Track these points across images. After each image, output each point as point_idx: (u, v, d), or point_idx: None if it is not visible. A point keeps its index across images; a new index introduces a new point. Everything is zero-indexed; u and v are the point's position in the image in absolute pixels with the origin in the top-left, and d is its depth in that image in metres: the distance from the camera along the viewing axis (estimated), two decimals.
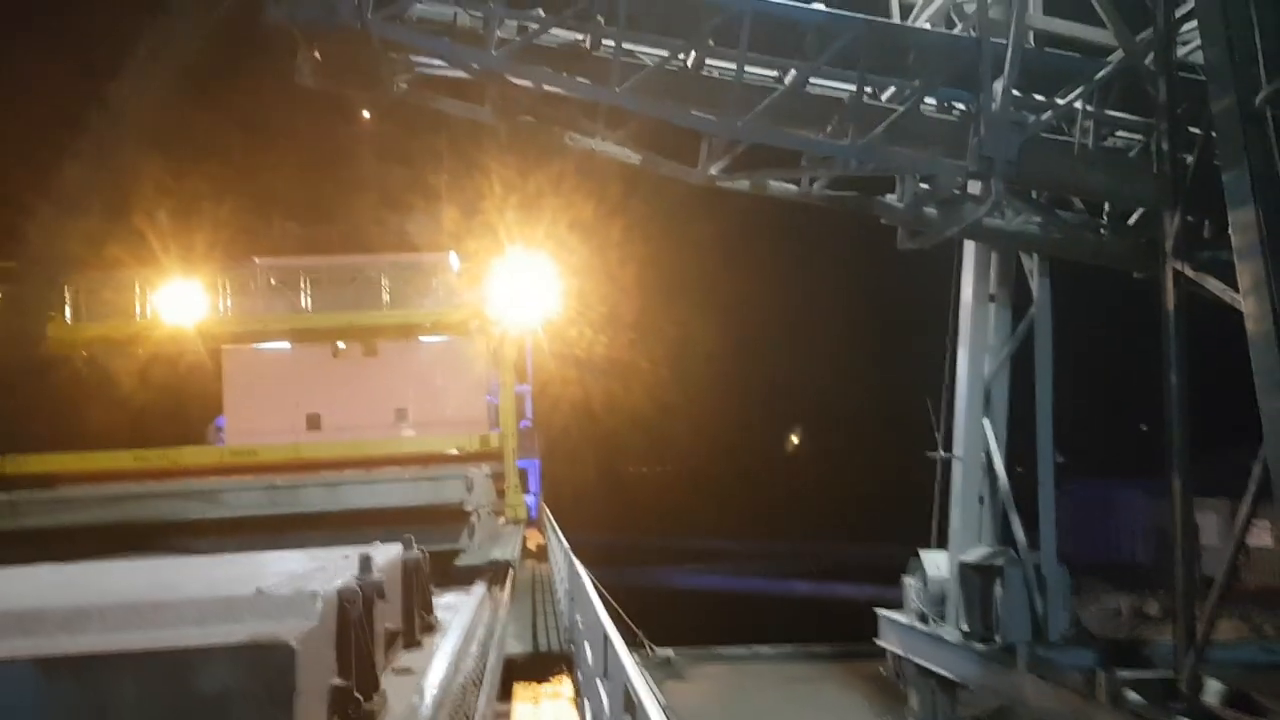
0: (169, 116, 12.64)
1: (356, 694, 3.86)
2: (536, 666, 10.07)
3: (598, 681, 6.73)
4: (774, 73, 13.46)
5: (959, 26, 14.32)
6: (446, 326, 26.61)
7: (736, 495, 42.88)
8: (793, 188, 14.75)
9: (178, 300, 24.21)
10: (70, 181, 12.31)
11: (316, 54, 12.90)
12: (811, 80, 13.30)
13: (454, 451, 25.34)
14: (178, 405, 27.02)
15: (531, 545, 22.67)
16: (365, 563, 4.42)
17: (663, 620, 21.85)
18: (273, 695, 3.12)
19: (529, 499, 28.04)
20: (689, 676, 20.49)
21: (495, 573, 10.97)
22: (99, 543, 10.17)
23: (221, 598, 3.68)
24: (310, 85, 13.15)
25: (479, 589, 8.98)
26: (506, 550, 14.68)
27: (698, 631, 22.74)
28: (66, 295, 22.71)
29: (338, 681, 3.77)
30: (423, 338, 28.09)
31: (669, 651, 21.14)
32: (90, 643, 3.30)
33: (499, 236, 25.59)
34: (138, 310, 24.39)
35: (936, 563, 16.19)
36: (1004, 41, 12.85)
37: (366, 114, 31.41)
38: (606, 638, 5.80)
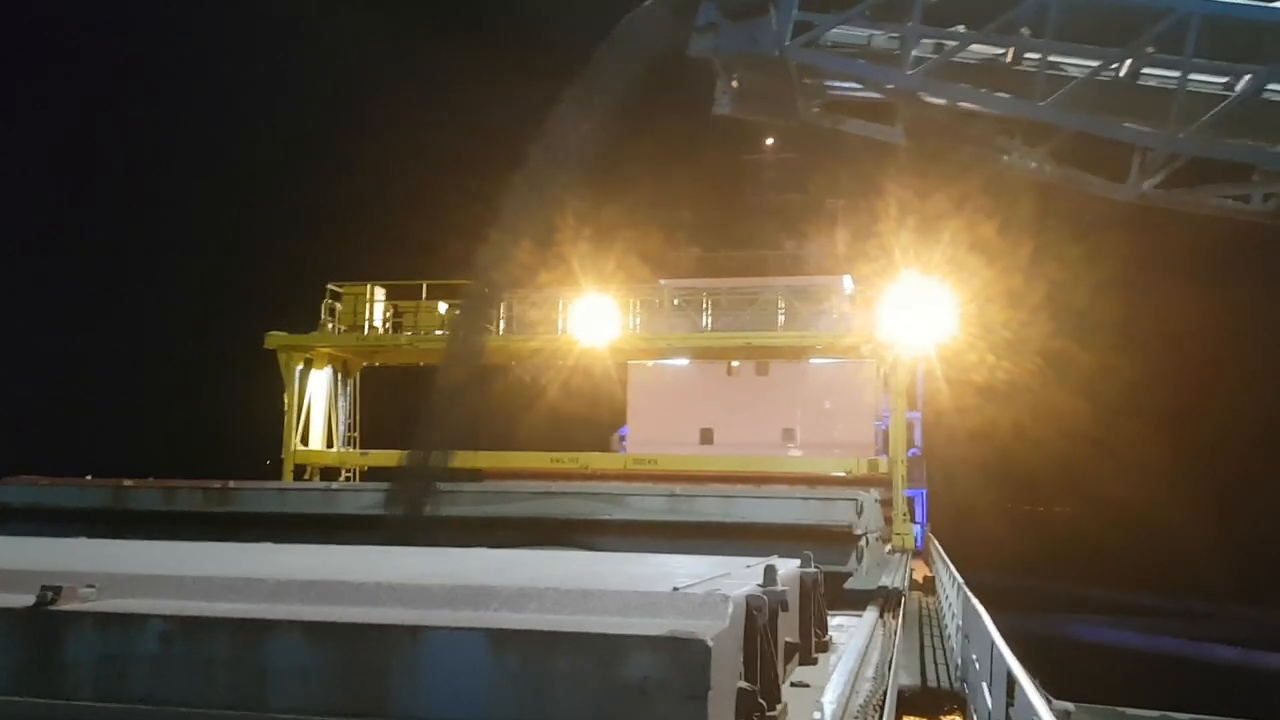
0: (593, 152, 13.70)
1: (761, 699, 3.90)
2: (926, 701, 9.74)
3: None
4: (1223, 79, 12.16)
5: None
6: (838, 349, 26.64)
7: (1155, 543, 38.48)
8: (1240, 205, 13.20)
9: (592, 318, 26.33)
10: (509, 211, 13.72)
11: (734, 83, 13.40)
12: (1269, 86, 11.88)
13: (840, 474, 25.29)
14: (588, 413, 29.33)
15: (917, 576, 21.98)
16: (770, 573, 4.47)
17: (1056, 672, 20.22)
18: (689, 688, 3.23)
19: (915, 529, 27.27)
20: None
21: (886, 600, 10.72)
22: (519, 532, 11.24)
23: (641, 592, 3.87)
24: (728, 114, 13.67)
25: (870, 614, 8.82)
26: (895, 578, 14.34)
27: (1095, 689, 20.82)
28: (501, 312, 25.52)
29: (744, 685, 3.85)
30: (813, 360, 28.34)
31: (1068, 706, 19.51)
32: (530, 621, 3.60)
33: (894, 259, 25.22)
34: (559, 326, 26.85)
35: None
36: None
37: (770, 141, 32.41)
38: (1014, 682, 5.45)
